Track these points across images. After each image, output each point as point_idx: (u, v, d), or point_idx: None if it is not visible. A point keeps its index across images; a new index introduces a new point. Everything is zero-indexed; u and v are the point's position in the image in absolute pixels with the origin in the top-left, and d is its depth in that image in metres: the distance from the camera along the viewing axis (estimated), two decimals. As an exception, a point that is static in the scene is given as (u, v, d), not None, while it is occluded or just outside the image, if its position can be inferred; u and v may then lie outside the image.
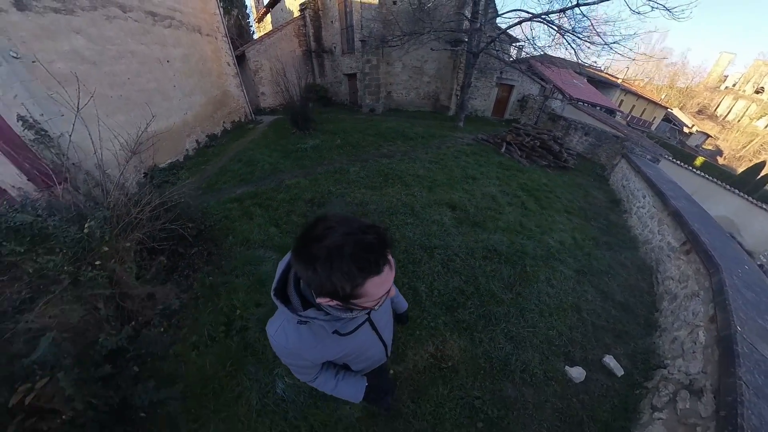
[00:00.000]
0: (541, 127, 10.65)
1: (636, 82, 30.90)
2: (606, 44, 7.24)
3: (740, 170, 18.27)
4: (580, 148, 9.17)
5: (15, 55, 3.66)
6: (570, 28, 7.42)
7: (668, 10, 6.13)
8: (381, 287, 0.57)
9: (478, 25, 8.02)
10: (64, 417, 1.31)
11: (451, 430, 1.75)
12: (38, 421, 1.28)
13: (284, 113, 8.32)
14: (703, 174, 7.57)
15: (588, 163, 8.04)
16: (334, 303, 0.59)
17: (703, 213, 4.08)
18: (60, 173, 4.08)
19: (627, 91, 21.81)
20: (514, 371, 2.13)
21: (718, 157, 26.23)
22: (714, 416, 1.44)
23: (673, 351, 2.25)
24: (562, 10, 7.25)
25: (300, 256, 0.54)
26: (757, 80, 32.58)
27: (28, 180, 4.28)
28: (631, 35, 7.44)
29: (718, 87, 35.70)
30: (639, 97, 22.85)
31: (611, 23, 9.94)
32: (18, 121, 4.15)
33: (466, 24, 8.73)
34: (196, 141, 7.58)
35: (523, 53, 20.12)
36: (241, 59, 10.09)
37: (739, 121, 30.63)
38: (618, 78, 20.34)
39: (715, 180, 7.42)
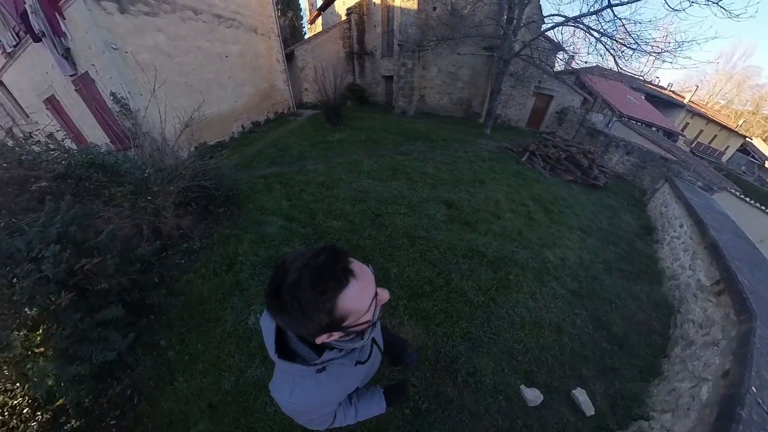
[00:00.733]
0: (578, 141, 10.26)
1: (708, 104, 27.54)
2: (653, 52, 6.68)
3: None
4: (620, 168, 8.50)
5: (114, 47, 4.77)
6: (605, 31, 7.06)
7: (716, 3, 5.36)
8: (359, 299, 0.55)
9: (511, 29, 7.96)
10: (102, 285, 1.96)
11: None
12: (87, 283, 1.95)
13: (321, 108, 9.12)
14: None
15: (626, 185, 7.34)
16: (336, 336, 0.57)
17: (752, 251, 3.43)
18: (134, 138, 5.14)
19: (694, 113, 19.70)
20: (459, 371, 2.09)
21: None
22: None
23: (666, 404, 1.98)
24: (596, 12, 6.91)
25: (272, 309, 0.53)
26: None
27: (110, 142, 5.41)
28: (686, 42, 6.51)
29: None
30: (709, 120, 20.50)
31: (655, 27, 9.12)
32: (110, 96, 5.31)
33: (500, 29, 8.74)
34: (242, 126, 8.68)
35: (573, 63, 19.23)
36: (290, 57, 11.22)
37: None
38: (684, 97, 18.47)
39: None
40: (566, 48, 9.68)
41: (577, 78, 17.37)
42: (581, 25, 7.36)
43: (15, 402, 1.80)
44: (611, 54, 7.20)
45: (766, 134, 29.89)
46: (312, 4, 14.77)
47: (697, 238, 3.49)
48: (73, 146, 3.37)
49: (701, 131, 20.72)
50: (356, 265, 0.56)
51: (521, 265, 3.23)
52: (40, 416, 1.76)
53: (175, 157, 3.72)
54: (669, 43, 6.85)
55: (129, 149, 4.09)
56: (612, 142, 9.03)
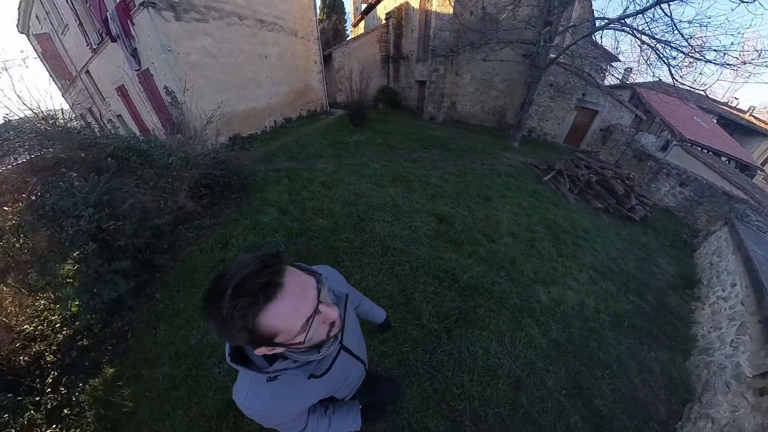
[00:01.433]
0: (616, 164, 9.57)
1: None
2: (727, 64, 5.61)
3: None
4: (669, 201, 7.39)
5: (169, 49, 5.77)
6: (655, 34, 6.19)
7: None
8: (285, 318, 0.52)
9: (547, 34, 7.61)
10: (120, 243, 2.63)
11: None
12: (110, 239, 2.64)
13: (346, 109, 9.77)
14: None
15: (673, 222, 6.35)
16: (280, 349, 0.57)
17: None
18: (179, 125, 6.12)
19: (788, 142, 17.04)
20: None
21: None
22: None
23: None
24: (642, 11, 6.11)
25: (203, 315, 0.52)
26: None
27: (162, 126, 6.48)
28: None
29: None
30: (810, 152, 17.56)
31: (726, 31, 7.76)
32: (163, 89, 6.38)
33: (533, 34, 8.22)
34: (274, 121, 9.63)
35: (632, 76, 17.69)
36: (328, 58, 12.09)
37: None
38: (773, 123, 16.05)
39: None
40: (619, 57, 8.91)
41: (634, 93, 16.12)
42: (626, 28, 6.52)
43: (53, 318, 2.54)
44: (664, 62, 6.23)
45: None
46: (357, 8, 15.65)
47: (751, 307, 2.75)
48: (133, 129, 4.28)
49: (794, 165, 17.85)
50: (291, 279, 0.53)
51: (498, 299, 2.92)
52: (65, 331, 2.47)
53: (202, 147, 4.49)
54: (745, 52, 5.93)
55: (173, 135, 5.01)
56: (663, 169, 7.83)
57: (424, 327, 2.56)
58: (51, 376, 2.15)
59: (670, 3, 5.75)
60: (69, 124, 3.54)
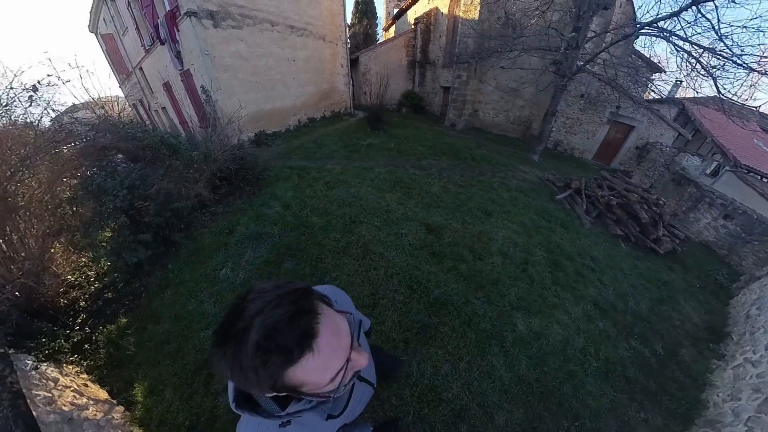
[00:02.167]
0: (659, 189, 8.87)
1: None
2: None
3: None
4: (708, 236, 6.57)
5: (207, 52, 6.65)
6: (693, 39, 5.65)
7: None
8: (316, 373, 0.48)
9: (574, 40, 7.39)
10: (145, 219, 3.29)
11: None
12: (137, 216, 3.31)
13: (367, 112, 10.32)
14: None
15: (710, 260, 5.68)
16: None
17: None
18: (212, 121, 6.96)
19: None
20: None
21: None
22: None
23: None
24: (677, 13, 5.70)
25: (216, 351, 0.46)
26: None
27: (198, 121, 7.38)
28: None
29: None
30: None
31: None
32: (200, 88, 7.30)
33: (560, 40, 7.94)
34: (298, 120, 10.42)
35: (680, 88, 16.46)
36: (355, 62, 12.78)
37: None
38: None
39: None
40: (663, 67, 8.22)
41: (682, 110, 15.08)
42: (664, 33, 6.05)
43: (89, 273, 3.26)
44: (708, 73, 5.67)
45: None
46: (389, 13, 16.30)
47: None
48: (174, 120, 5.08)
49: None
50: (326, 325, 0.49)
51: (467, 320, 2.86)
52: (97, 285, 3.18)
53: (221, 143, 5.20)
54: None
55: (206, 129, 5.82)
56: (705, 198, 6.90)
57: (383, 334, 2.64)
58: (80, 317, 2.83)
59: (707, 2, 5.27)
60: (122, 113, 4.39)
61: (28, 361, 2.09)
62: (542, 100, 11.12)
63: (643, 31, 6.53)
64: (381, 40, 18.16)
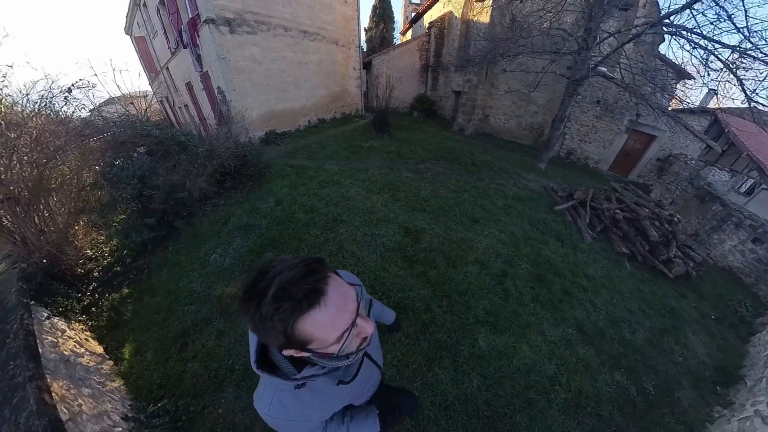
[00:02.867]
0: (680, 205, 8.13)
1: None
2: None
3: None
4: (734, 260, 5.93)
5: (223, 57, 7.37)
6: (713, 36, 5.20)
7: None
8: (324, 328, 0.56)
9: (585, 43, 7.23)
10: (152, 206, 3.90)
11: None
12: (146, 202, 3.93)
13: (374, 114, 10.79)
14: None
15: (733, 288, 5.10)
16: (307, 354, 0.60)
17: None
18: (226, 119, 7.66)
19: None
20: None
21: None
22: None
23: None
24: (689, 5, 5.38)
25: (241, 308, 0.56)
26: None
27: (215, 118, 8.12)
28: None
29: None
30: None
31: None
32: (217, 89, 8.05)
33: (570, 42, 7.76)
34: (308, 121, 11.06)
35: (715, 99, 15.68)
36: (369, 65, 13.33)
37: None
38: None
39: None
40: (690, 72, 7.56)
41: (715, 121, 14.41)
42: (672, 29, 5.71)
43: (105, 249, 3.91)
44: (730, 71, 5.23)
45: None
46: (406, 17, 16.81)
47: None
48: (194, 116, 5.78)
49: None
50: (334, 288, 0.57)
51: (422, 328, 2.89)
52: (109, 259, 3.82)
53: (226, 141, 5.82)
54: None
55: (220, 126, 6.51)
56: (732, 217, 6.30)
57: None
58: (92, 285, 3.45)
59: None
60: (149, 108, 5.08)
61: (44, 313, 2.68)
62: (556, 105, 11.04)
63: (654, 29, 6.26)
64: (397, 42, 18.77)
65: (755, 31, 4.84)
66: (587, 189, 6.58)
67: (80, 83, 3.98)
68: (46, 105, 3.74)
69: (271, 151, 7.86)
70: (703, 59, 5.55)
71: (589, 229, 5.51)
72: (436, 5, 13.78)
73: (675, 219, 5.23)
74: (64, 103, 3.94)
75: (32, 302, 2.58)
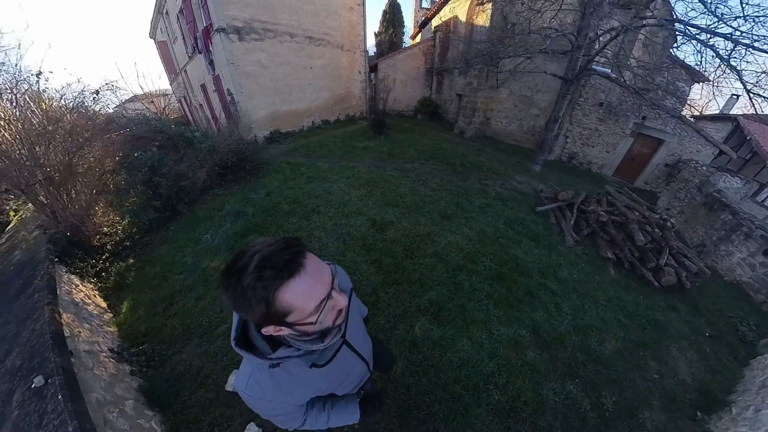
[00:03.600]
0: (687, 214, 7.72)
1: None
2: None
3: None
4: (742, 275, 5.47)
5: (232, 62, 8.28)
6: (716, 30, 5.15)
7: None
8: (302, 297, 0.60)
9: (577, 41, 7.34)
10: (159, 191, 4.72)
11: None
12: (154, 188, 4.76)
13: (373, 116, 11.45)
14: None
15: (738, 304, 4.69)
16: (285, 331, 0.65)
17: None
18: (234, 119, 8.53)
19: None
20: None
21: None
22: None
23: None
24: None
25: (221, 286, 0.59)
26: None
27: (225, 117, 9.02)
28: None
29: None
30: None
31: None
32: (226, 91, 8.97)
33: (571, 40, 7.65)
34: (312, 122, 11.87)
35: (736, 106, 15.24)
36: (376, 68, 14.06)
37: None
38: None
39: None
40: (706, 74, 7.46)
41: (737, 127, 14.10)
42: (663, 21, 5.73)
43: (118, 227, 4.77)
44: (727, 64, 5.17)
45: None
46: (416, 22, 17.45)
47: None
48: (208, 115, 6.65)
49: None
50: (311, 262, 0.62)
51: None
52: (121, 235, 4.67)
53: (229, 138, 6.65)
54: None
55: (229, 124, 7.36)
56: (742, 227, 5.89)
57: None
58: (105, 255, 4.27)
59: None
60: (167, 107, 5.94)
61: (64, 270, 3.49)
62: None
63: (645, 23, 6.45)
64: (407, 46, 19.50)
65: (747, 16, 4.97)
66: (577, 191, 6.56)
67: (106, 86, 4.86)
68: (78, 104, 4.64)
69: (272, 149, 8.70)
70: (698, 51, 5.62)
71: (575, 232, 5.37)
72: (443, 10, 14.36)
73: (668, 224, 4.92)
74: (92, 102, 4.85)
75: (56, 260, 3.39)
